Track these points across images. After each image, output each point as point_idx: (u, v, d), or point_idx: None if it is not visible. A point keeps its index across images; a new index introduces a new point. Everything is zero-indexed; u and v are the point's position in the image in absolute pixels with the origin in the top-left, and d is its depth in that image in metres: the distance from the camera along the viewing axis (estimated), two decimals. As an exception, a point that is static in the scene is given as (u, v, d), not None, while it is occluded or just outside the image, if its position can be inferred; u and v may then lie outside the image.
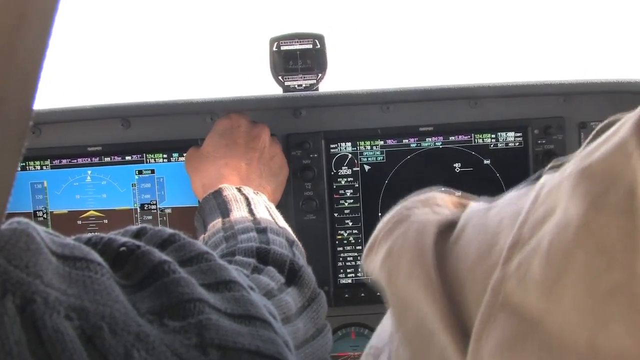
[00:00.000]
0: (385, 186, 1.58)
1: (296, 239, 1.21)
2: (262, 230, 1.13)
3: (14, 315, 0.47)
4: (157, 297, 0.61)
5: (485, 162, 1.58)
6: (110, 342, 0.53)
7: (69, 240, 0.60)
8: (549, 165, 0.61)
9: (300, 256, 1.12)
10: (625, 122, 0.48)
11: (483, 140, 1.58)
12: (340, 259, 1.60)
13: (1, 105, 0.44)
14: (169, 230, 0.78)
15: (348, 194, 1.59)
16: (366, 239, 1.60)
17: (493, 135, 1.58)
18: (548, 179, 0.53)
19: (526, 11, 2.15)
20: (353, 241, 1.60)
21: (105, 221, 1.58)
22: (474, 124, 1.58)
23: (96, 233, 0.66)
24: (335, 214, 1.59)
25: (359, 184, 1.59)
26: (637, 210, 0.43)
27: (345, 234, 1.60)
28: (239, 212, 1.23)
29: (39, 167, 1.56)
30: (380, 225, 0.63)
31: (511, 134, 1.58)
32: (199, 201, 1.41)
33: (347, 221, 1.60)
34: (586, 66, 2.08)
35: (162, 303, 0.61)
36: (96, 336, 0.52)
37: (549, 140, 1.57)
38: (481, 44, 2.11)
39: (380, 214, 1.59)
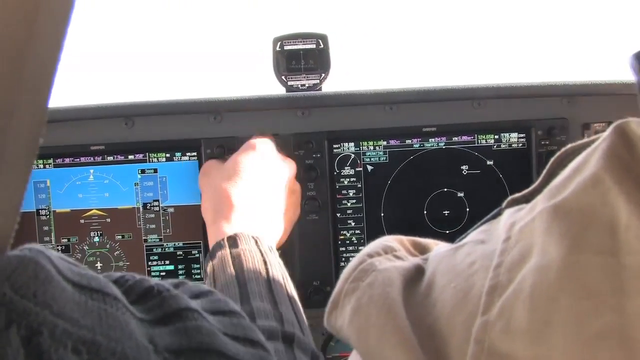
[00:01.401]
0: (388, 186, 1.58)
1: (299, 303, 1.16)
2: (279, 314, 1.06)
3: (18, 347, 0.45)
4: (177, 336, 0.60)
5: (489, 163, 1.58)
6: None
7: (87, 270, 0.57)
8: (505, 202, 0.60)
9: (306, 329, 1.08)
10: (593, 153, 0.48)
11: (486, 141, 1.58)
12: (343, 259, 1.60)
13: (12, 121, 0.43)
14: (206, 287, 0.77)
15: (351, 194, 1.59)
16: (369, 240, 1.59)
17: (496, 136, 1.58)
18: (514, 216, 0.52)
19: (530, 12, 2.14)
20: (355, 241, 1.60)
21: (108, 220, 1.58)
22: (477, 124, 1.58)
23: (129, 273, 0.64)
24: (338, 214, 1.59)
25: (361, 184, 1.58)
26: (619, 249, 0.43)
27: (348, 234, 1.60)
28: (256, 284, 1.13)
29: (41, 166, 1.56)
30: (343, 276, 0.61)
31: (514, 135, 1.58)
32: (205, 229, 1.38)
33: (349, 221, 1.60)
34: (590, 67, 2.08)
35: (181, 344, 0.60)
36: None
37: (553, 142, 1.57)
38: (485, 44, 2.11)
39: (382, 215, 1.59)
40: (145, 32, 2.08)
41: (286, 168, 1.45)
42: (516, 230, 0.50)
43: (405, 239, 0.67)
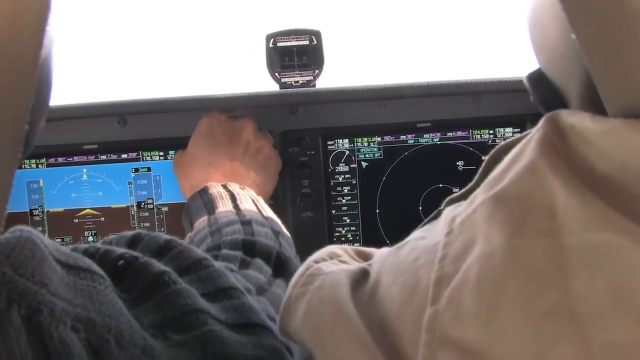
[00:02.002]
0: (383, 183, 1.58)
1: (283, 228, 1.21)
2: (246, 222, 1.13)
3: (20, 326, 0.46)
4: (158, 310, 0.60)
5: (484, 158, 1.57)
6: (117, 355, 0.51)
7: (70, 250, 0.58)
8: (444, 203, 0.62)
9: (287, 246, 1.12)
10: (527, 144, 0.50)
11: (481, 136, 1.57)
12: (338, 256, 1.59)
13: None
14: (164, 237, 0.77)
15: (345, 191, 1.58)
16: (364, 236, 1.59)
17: (491, 131, 1.57)
18: (454, 211, 0.54)
19: (522, 5, 2.14)
20: (351, 238, 1.60)
21: (102, 219, 1.57)
22: (472, 120, 1.58)
23: (92, 243, 0.65)
24: (333, 211, 1.59)
25: (356, 181, 1.58)
26: (559, 230, 0.44)
27: (343, 231, 1.60)
28: (223, 207, 1.23)
29: (34, 166, 1.55)
30: (291, 283, 0.62)
31: (509, 129, 1.57)
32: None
33: (344, 218, 1.59)
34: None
35: (164, 316, 0.60)
36: (103, 349, 0.51)
37: (547, 136, 1.56)
38: (479, 39, 2.11)
39: (377, 211, 1.58)
40: (137, 30, 2.08)
41: (241, 127, 1.49)
42: (457, 223, 0.51)
43: (349, 247, 0.70)
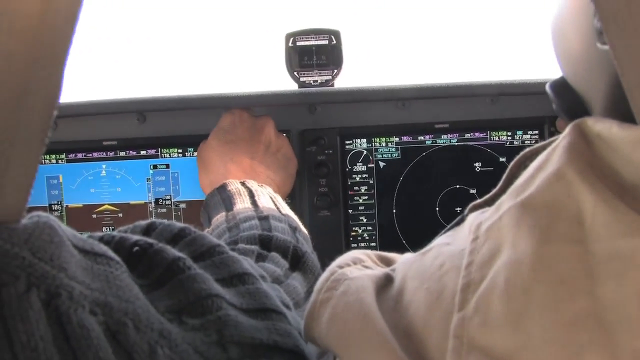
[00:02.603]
0: (400, 183, 1.58)
1: (300, 225, 1.21)
2: (264, 217, 1.14)
3: (39, 310, 0.46)
4: (174, 295, 0.61)
5: (501, 159, 1.57)
6: (135, 338, 0.52)
7: (89, 237, 0.59)
8: (468, 209, 0.62)
9: (304, 242, 1.13)
10: (555, 150, 0.50)
11: (499, 138, 1.57)
12: (354, 255, 1.59)
13: (27, 96, 0.44)
14: (178, 225, 0.78)
15: (363, 191, 1.58)
16: (380, 236, 1.60)
17: (509, 133, 1.57)
18: (479, 217, 0.54)
19: (542, 9, 2.14)
20: (367, 238, 1.60)
21: (120, 215, 1.58)
22: (490, 121, 1.58)
23: (107, 232, 0.66)
24: (350, 211, 1.59)
25: (373, 181, 1.58)
26: (587, 237, 0.45)
27: (360, 231, 1.60)
28: (242, 204, 1.23)
29: (54, 161, 1.57)
30: (316, 288, 0.63)
31: (528, 131, 1.57)
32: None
33: (361, 218, 1.59)
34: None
35: (180, 301, 0.61)
36: (120, 332, 0.51)
37: (566, 138, 1.55)
38: (498, 40, 2.10)
39: (394, 211, 1.58)
40: (158, 27, 2.09)
41: (262, 126, 1.50)
42: (483, 229, 0.52)
43: (372, 253, 0.70)
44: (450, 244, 0.55)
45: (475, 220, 0.54)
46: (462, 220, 0.59)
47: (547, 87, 0.65)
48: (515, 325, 0.44)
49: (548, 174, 0.48)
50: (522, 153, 0.61)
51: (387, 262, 0.68)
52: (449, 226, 0.65)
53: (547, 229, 0.46)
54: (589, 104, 0.59)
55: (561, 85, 0.63)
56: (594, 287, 0.43)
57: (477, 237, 0.51)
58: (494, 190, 0.62)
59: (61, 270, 0.49)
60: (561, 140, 0.50)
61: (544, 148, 0.53)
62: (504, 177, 0.62)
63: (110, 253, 0.57)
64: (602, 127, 0.48)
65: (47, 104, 0.46)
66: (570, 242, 0.45)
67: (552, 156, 0.50)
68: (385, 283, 0.58)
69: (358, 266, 0.63)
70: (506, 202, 0.51)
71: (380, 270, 0.61)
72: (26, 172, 0.48)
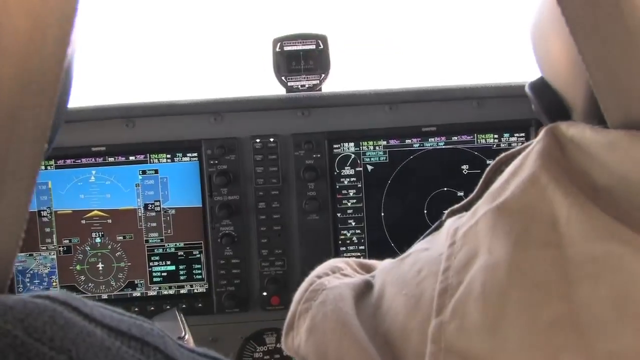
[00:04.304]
0: (388, 186, 1.59)
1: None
2: None
3: None
4: None
5: (488, 162, 1.58)
6: None
7: (136, 318, 0.51)
8: (445, 214, 0.62)
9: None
10: (529, 155, 0.50)
11: (486, 141, 1.58)
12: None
13: (16, 125, 0.42)
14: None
15: (351, 194, 1.59)
16: (369, 239, 1.60)
17: (496, 136, 1.58)
18: (456, 223, 0.54)
19: (528, 10, 2.15)
20: (356, 241, 1.61)
21: (109, 221, 1.59)
22: (477, 124, 1.59)
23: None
24: (338, 214, 1.60)
25: (361, 184, 1.59)
26: (561, 241, 0.45)
27: (348, 234, 1.61)
28: None
29: (43, 168, 1.57)
30: (295, 299, 0.63)
31: (514, 134, 1.58)
32: None
33: (350, 221, 1.60)
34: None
35: None
36: None
37: (552, 141, 1.57)
38: (484, 43, 2.11)
39: (382, 214, 1.59)
40: (145, 33, 2.09)
41: None
42: (460, 234, 0.52)
43: (352, 260, 0.70)
44: (428, 250, 0.56)
45: (453, 225, 0.54)
46: (440, 226, 0.60)
47: (527, 88, 0.64)
48: (492, 329, 0.45)
49: (522, 178, 0.49)
50: (497, 158, 0.61)
51: (367, 269, 0.68)
52: (427, 232, 0.65)
53: (522, 233, 0.47)
54: (569, 104, 0.59)
55: (541, 86, 0.63)
56: (569, 291, 0.43)
57: (454, 242, 0.52)
58: (470, 196, 0.62)
59: (63, 352, 0.43)
60: (535, 145, 0.51)
61: (519, 153, 0.54)
62: (480, 182, 0.62)
63: (151, 338, 0.50)
64: (575, 131, 0.49)
65: (37, 135, 0.44)
66: (545, 246, 0.45)
67: (526, 161, 0.50)
68: (364, 290, 0.59)
69: (337, 275, 0.64)
70: (482, 207, 0.51)
71: (359, 278, 0.62)
72: (16, 213, 0.45)
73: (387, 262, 0.62)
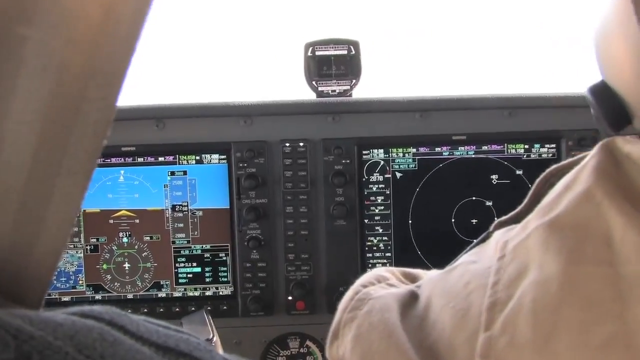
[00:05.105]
0: (417, 194, 1.58)
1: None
2: None
3: None
4: None
5: (518, 172, 1.57)
6: None
7: (182, 332, 0.51)
8: (493, 225, 0.61)
9: None
10: (582, 170, 0.49)
11: (516, 151, 1.57)
12: (370, 265, 1.60)
13: (83, 103, 0.41)
14: None
15: (379, 201, 1.59)
16: (396, 246, 1.60)
17: (526, 146, 1.57)
18: (506, 235, 0.53)
19: (563, 24, 2.14)
20: (383, 248, 1.60)
21: (137, 221, 1.59)
22: (508, 134, 1.58)
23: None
24: (366, 220, 1.59)
25: (390, 191, 1.58)
26: (616, 259, 0.44)
27: (375, 241, 1.60)
28: None
29: (73, 166, 1.57)
30: (340, 307, 0.62)
31: (544, 145, 1.57)
32: None
33: (377, 227, 1.60)
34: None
35: None
36: None
37: (583, 152, 1.55)
38: (518, 54, 2.10)
39: (410, 222, 1.59)
40: (178, 35, 2.10)
41: None
42: (510, 248, 0.51)
43: (396, 269, 0.69)
44: (476, 262, 0.55)
45: (502, 238, 0.53)
46: (487, 237, 0.59)
47: (587, 92, 0.62)
48: (543, 346, 0.44)
49: (576, 194, 0.48)
50: (548, 170, 0.60)
51: (412, 279, 0.68)
52: (474, 243, 0.64)
53: (575, 249, 0.46)
54: (631, 110, 0.57)
55: (602, 90, 0.60)
56: (623, 311, 0.42)
57: (504, 256, 0.51)
58: (519, 208, 0.61)
59: None
60: (589, 160, 0.50)
61: (570, 166, 0.53)
62: (529, 194, 0.61)
63: (199, 353, 0.49)
64: (632, 148, 0.48)
65: (98, 130, 0.43)
66: (599, 264, 0.44)
67: (580, 175, 0.50)
68: (410, 301, 0.58)
69: (382, 284, 0.63)
70: (533, 221, 0.51)
71: (404, 288, 0.61)
72: (68, 209, 0.45)
73: (434, 273, 0.61)
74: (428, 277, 0.61)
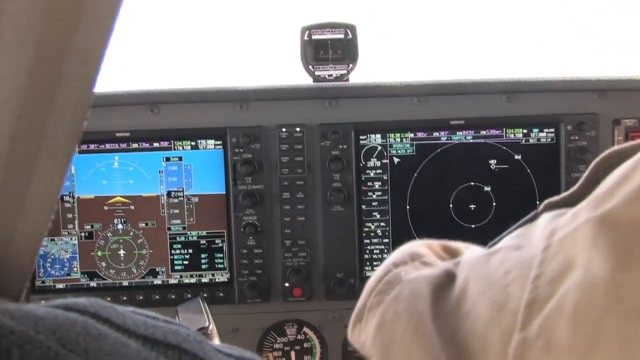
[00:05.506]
0: (414, 179, 1.57)
1: None
2: None
3: None
4: None
5: (517, 157, 1.56)
6: None
7: (171, 323, 0.49)
8: (542, 205, 0.55)
9: None
10: None
11: (515, 136, 1.56)
12: (367, 251, 1.59)
13: (61, 82, 0.40)
14: None
15: (376, 186, 1.57)
16: (394, 232, 1.58)
17: (525, 131, 1.56)
18: (554, 223, 0.48)
19: (563, 7, 2.12)
20: (380, 234, 1.59)
21: (132, 207, 1.58)
22: (506, 118, 1.56)
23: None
24: (363, 206, 1.58)
25: (387, 177, 1.57)
26: None
27: (373, 227, 1.59)
28: None
29: (67, 152, 1.55)
30: (367, 288, 0.58)
31: (543, 129, 1.56)
32: None
33: (374, 213, 1.58)
34: (623, 62, 2.05)
35: None
36: None
37: (582, 137, 1.54)
38: (515, 37, 2.09)
39: (408, 207, 1.57)
40: (172, 19, 2.08)
41: None
42: (556, 239, 0.47)
43: (435, 243, 0.64)
44: (520, 249, 0.51)
45: (549, 225, 0.49)
46: (534, 218, 0.55)
47: None
48: (581, 355, 0.41)
49: (632, 187, 0.43)
50: (607, 153, 0.53)
51: (452, 253, 0.63)
52: (520, 222, 0.58)
53: (626, 251, 0.41)
54: None
55: None
56: None
57: (549, 246, 0.47)
58: (572, 189, 0.54)
59: None
60: None
61: (633, 151, 0.48)
62: (585, 175, 0.54)
63: (188, 344, 0.48)
64: None
65: (77, 111, 0.42)
66: None
67: (638, 166, 0.45)
68: (445, 282, 0.54)
69: (416, 263, 0.59)
70: (584, 212, 0.46)
71: (440, 268, 0.57)
72: (48, 192, 0.44)
73: (474, 252, 0.56)
74: (467, 256, 0.56)
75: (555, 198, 0.55)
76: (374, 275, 0.58)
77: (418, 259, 0.60)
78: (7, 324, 0.40)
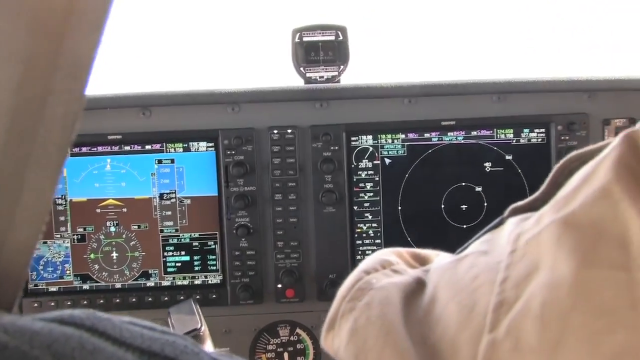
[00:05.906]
0: (406, 180, 1.57)
1: None
2: None
3: None
4: None
5: (507, 157, 1.56)
6: None
7: (169, 335, 0.49)
8: (508, 211, 0.57)
9: None
10: (601, 163, 0.45)
11: (505, 136, 1.56)
12: (359, 252, 1.59)
13: (49, 96, 0.41)
14: None
15: (368, 187, 1.58)
16: (385, 233, 1.59)
17: (515, 131, 1.56)
18: (519, 227, 0.49)
19: (553, 8, 2.13)
20: (372, 235, 1.59)
21: (124, 210, 1.58)
22: (497, 119, 1.57)
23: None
24: (355, 207, 1.59)
25: (379, 178, 1.58)
26: (632, 263, 0.41)
27: (365, 227, 1.59)
28: None
29: (59, 155, 1.55)
30: (339, 295, 0.58)
31: (534, 130, 1.56)
32: None
33: (366, 214, 1.59)
34: (612, 63, 2.06)
35: None
36: None
37: (572, 137, 1.55)
38: (506, 38, 2.10)
39: (400, 208, 1.58)
40: (163, 22, 2.08)
41: None
42: (522, 242, 0.48)
43: (404, 251, 0.65)
44: (487, 254, 0.51)
45: (515, 229, 0.50)
46: (501, 223, 0.56)
47: None
48: (549, 354, 0.41)
49: (593, 189, 0.45)
50: (567, 157, 0.55)
51: (422, 261, 0.63)
52: (487, 227, 0.60)
53: (589, 251, 0.43)
54: None
55: None
56: (638, 320, 0.40)
57: (515, 250, 0.48)
58: (536, 194, 0.56)
59: None
60: (610, 152, 0.46)
61: (592, 154, 0.49)
62: (547, 180, 0.56)
63: (186, 356, 0.48)
64: None
65: (66, 123, 0.42)
66: (614, 268, 0.41)
67: (599, 169, 0.46)
68: (415, 290, 0.55)
69: (387, 271, 0.59)
70: (547, 215, 0.47)
71: (411, 275, 0.57)
72: (39, 203, 0.44)
73: (443, 259, 0.57)
74: (437, 263, 0.57)
75: (520, 203, 0.56)
76: (346, 283, 0.59)
77: (389, 266, 0.60)
78: (1, 339, 0.40)
